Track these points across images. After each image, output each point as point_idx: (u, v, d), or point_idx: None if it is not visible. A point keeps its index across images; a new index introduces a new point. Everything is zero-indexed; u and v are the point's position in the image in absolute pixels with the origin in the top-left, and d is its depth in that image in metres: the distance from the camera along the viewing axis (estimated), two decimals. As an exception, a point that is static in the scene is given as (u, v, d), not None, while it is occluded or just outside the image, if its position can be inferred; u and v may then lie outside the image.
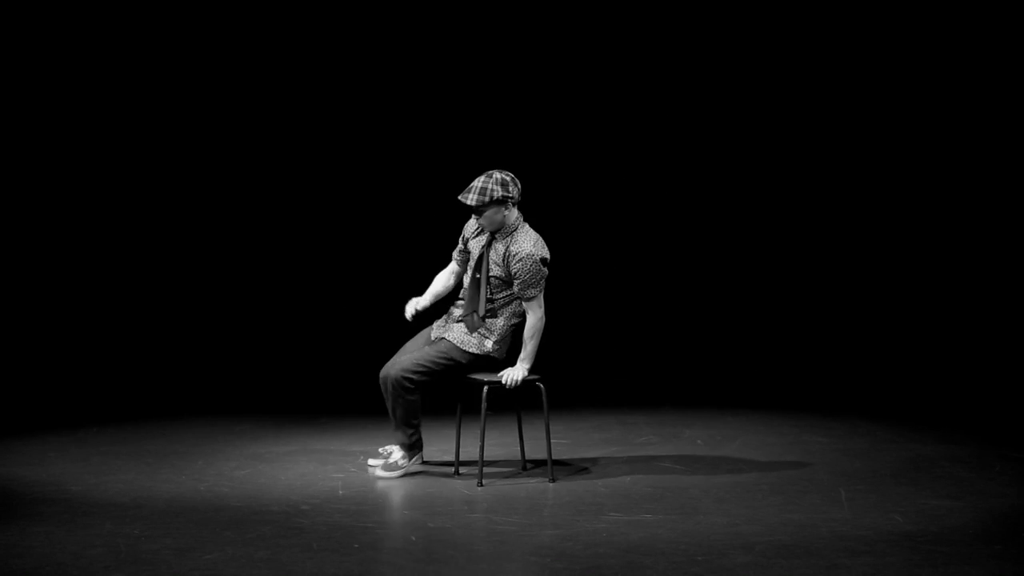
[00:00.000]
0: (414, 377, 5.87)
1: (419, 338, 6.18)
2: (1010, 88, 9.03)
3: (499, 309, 5.94)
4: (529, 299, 5.86)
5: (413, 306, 6.18)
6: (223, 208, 9.58)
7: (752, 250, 9.64)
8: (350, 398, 8.56)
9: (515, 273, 5.83)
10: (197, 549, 4.65)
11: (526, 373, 5.88)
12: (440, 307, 6.36)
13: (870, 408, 7.86)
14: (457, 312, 6.05)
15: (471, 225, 6.04)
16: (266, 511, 5.26)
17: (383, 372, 5.94)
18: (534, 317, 5.88)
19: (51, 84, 9.17)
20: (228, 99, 9.47)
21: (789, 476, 5.88)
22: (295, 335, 9.59)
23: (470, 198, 5.78)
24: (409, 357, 5.95)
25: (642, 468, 6.13)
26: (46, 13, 9.02)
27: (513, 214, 5.88)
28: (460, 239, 6.14)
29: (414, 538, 4.80)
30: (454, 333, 5.97)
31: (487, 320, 5.93)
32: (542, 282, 5.87)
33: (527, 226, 5.94)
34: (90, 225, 9.40)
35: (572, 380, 7.81)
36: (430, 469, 6.18)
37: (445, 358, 5.93)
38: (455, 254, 6.21)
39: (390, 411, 5.96)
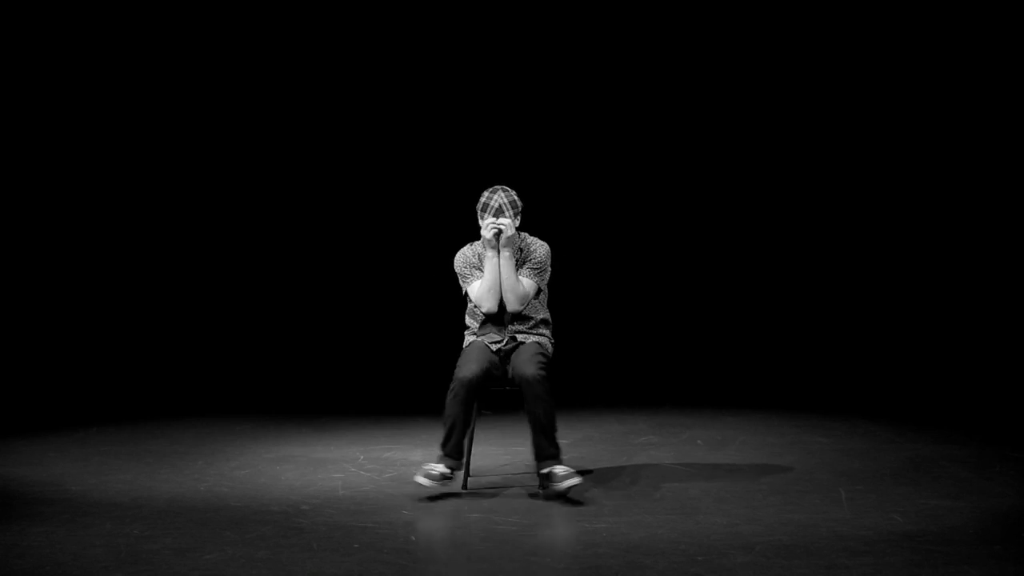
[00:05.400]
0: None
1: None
2: (1009, 88, 9.03)
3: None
4: (537, 281, 5.70)
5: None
6: (223, 209, 9.59)
7: (752, 251, 9.64)
8: (350, 398, 8.56)
9: (536, 258, 5.68)
10: (197, 549, 4.65)
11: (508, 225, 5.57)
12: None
13: (870, 408, 7.86)
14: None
15: (470, 253, 5.74)
16: (266, 511, 5.26)
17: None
18: (530, 286, 5.66)
19: (51, 85, 9.17)
20: (229, 100, 9.47)
21: (789, 476, 5.88)
22: (296, 335, 9.59)
23: (511, 217, 5.57)
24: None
25: (642, 468, 6.13)
26: (46, 13, 9.02)
27: None
28: (468, 273, 5.73)
29: (414, 538, 4.80)
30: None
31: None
32: (545, 274, 5.74)
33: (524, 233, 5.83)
34: (90, 226, 9.41)
35: (572, 380, 7.78)
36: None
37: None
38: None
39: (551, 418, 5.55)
